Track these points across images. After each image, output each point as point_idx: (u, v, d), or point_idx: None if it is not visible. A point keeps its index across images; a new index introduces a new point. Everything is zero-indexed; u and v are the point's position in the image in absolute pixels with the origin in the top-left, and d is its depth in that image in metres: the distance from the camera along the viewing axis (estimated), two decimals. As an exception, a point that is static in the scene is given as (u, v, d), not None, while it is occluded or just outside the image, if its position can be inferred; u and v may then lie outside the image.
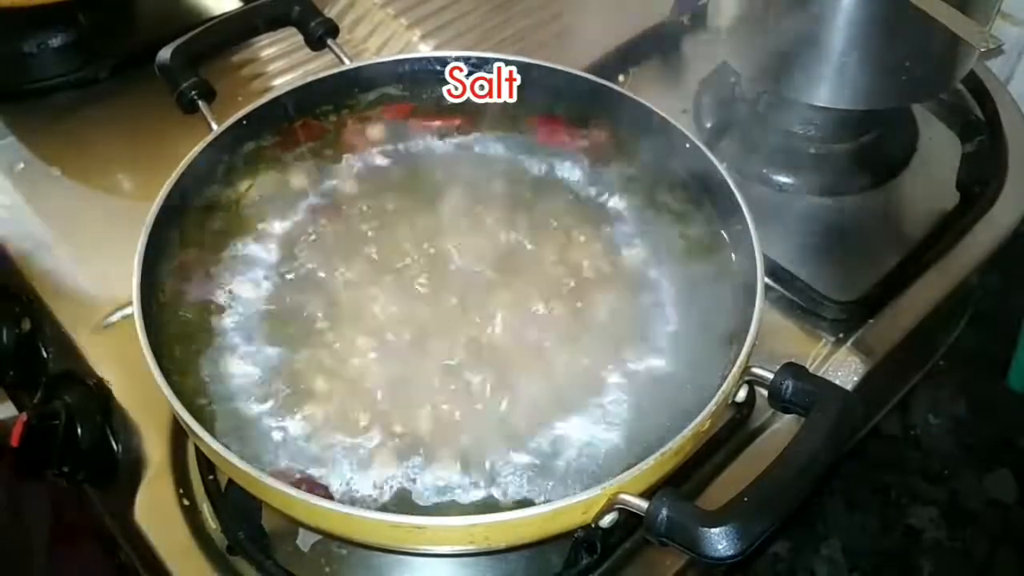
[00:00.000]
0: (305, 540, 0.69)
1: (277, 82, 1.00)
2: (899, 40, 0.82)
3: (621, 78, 1.01)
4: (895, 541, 0.87)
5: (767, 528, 0.50)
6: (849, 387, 0.77)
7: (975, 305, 0.98)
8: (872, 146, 0.93)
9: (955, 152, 0.93)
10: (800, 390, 0.57)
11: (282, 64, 1.01)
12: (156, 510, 0.71)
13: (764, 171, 0.92)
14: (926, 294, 0.83)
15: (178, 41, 0.75)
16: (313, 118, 0.78)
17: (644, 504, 0.52)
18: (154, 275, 0.67)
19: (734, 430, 0.75)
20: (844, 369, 0.79)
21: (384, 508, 0.59)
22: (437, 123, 0.80)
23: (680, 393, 0.64)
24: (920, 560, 0.86)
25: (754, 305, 0.62)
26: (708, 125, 0.95)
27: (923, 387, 0.95)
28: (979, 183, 0.91)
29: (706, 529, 0.50)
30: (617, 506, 0.54)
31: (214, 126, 0.73)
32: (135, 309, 0.62)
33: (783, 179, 0.92)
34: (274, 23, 0.80)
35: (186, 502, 0.71)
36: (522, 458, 0.61)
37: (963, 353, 0.97)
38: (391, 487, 0.60)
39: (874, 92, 0.85)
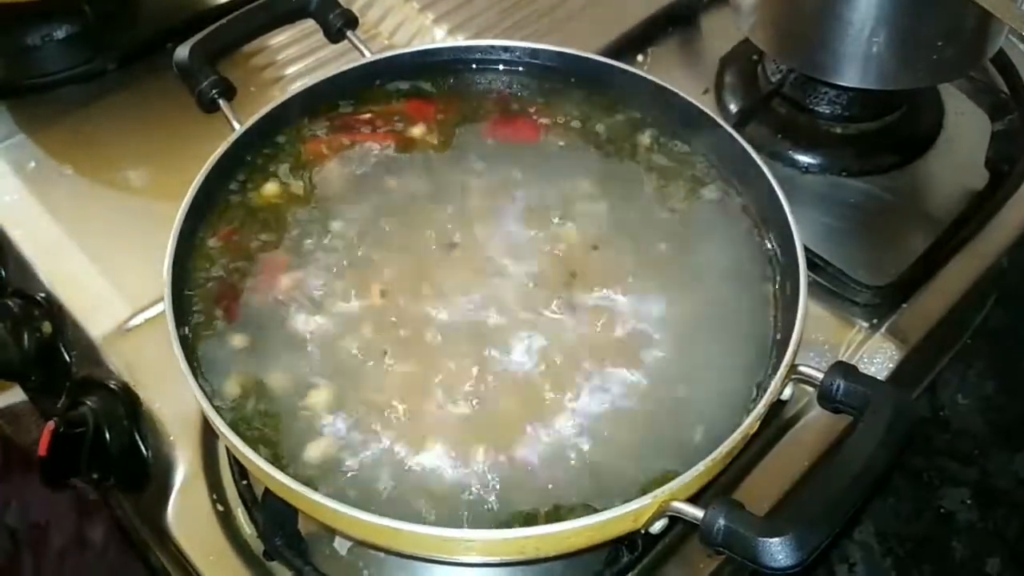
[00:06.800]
0: (342, 543, 0.68)
1: (289, 71, 0.98)
2: (929, 18, 0.80)
3: (640, 59, 0.99)
4: (928, 524, 0.87)
5: (826, 538, 0.49)
6: (885, 375, 0.77)
7: (1003, 284, 0.97)
8: (898, 125, 0.92)
9: (982, 130, 0.92)
10: (852, 391, 0.55)
11: (293, 52, 0.99)
12: (189, 516, 0.70)
13: (789, 152, 0.90)
14: (959, 276, 0.83)
15: (195, 38, 0.73)
16: (339, 111, 0.77)
17: (699, 513, 0.51)
18: (182, 277, 0.65)
19: (767, 423, 0.74)
20: (880, 356, 0.78)
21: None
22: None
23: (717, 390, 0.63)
24: (952, 542, 0.86)
25: (798, 301, 0.61)
26: (732, 107, 0.94)
27: (951, 367, 0.94)
28: (1008, 162, 0.89)
29: (764, 539, 0.49)
30: (669, 513, 0.53)
31: (236, 125, 0.71)
32: (167, 309, 0.60)
33: (808, 159, 0.90)
34: (292, 16, 0.77)
35: (220, 507, 0.71)
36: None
37: (991, 332, 0.96)
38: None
39: (903, 72, 0.83)
